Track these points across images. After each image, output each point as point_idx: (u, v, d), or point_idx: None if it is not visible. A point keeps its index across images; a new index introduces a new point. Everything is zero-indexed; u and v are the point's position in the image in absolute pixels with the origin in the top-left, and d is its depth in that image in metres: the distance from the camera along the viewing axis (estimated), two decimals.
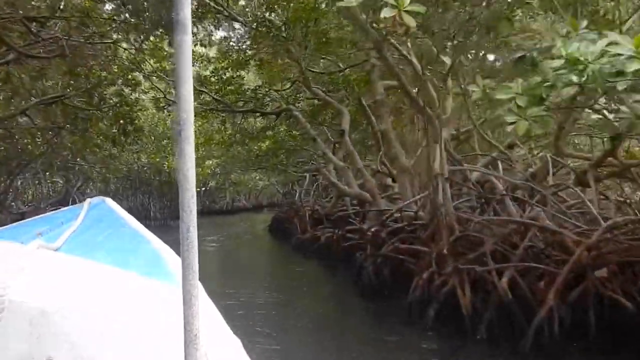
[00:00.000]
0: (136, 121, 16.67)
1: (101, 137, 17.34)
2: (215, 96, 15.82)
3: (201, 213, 50.49)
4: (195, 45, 16.04)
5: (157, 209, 35.61)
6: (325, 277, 14.86)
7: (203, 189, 53.72)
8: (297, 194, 28.81)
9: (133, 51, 15.38)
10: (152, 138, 24.83)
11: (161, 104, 17.81)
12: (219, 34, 16.37)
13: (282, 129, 20.93)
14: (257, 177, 53.26)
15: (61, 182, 28.19)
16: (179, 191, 1.09)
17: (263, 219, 42.40)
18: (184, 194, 1.08)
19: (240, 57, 15.96)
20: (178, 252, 1.17)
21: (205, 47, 15.39)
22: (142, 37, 14.08)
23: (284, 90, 16.98)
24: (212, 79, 16.18)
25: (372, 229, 12.55)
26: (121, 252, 2.05)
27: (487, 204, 10.66)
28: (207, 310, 1.60)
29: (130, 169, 26.26)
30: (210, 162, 35.19)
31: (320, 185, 24.55)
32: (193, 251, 1.10)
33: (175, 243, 1.34)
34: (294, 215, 22.57)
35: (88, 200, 2.89)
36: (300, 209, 22.09)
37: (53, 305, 1.36)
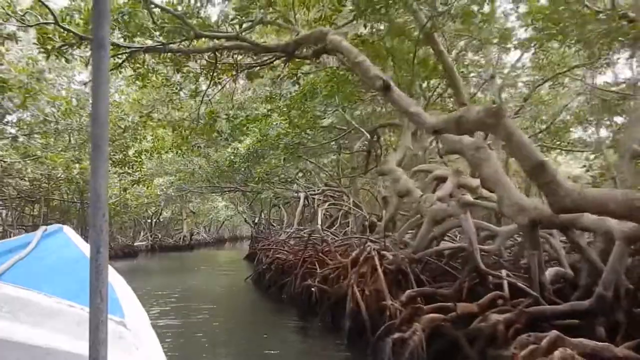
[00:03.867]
0: None
1: None
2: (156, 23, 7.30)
3: (152, 249, 40.54)
4: None
5: None
6: None
7: (155, 220, 43.62)
8: (310, 223, 20.13)
9: None
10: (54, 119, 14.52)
11: (55, 44, 8.99)
12: None
13: (281, 108, 12.36)
14: (222, 205, 43.95)
15: None
16: (91, 211, 1.04)
17: (231, 258, 33.39)
18: (96, 214, 1.05)
19: None
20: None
21: None
22: None
23: None
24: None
25: None
26: (71, 283, 1.96)
27: None
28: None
29: (33, 184, 16.97)
30: (162, 179, 25.88)
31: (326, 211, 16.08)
32: (103, 274, 1.05)
33: None
34: (315, 260, 12.44)
35: (42, 227, 2.72)
36: (330, 248, 12.01)
37: None
